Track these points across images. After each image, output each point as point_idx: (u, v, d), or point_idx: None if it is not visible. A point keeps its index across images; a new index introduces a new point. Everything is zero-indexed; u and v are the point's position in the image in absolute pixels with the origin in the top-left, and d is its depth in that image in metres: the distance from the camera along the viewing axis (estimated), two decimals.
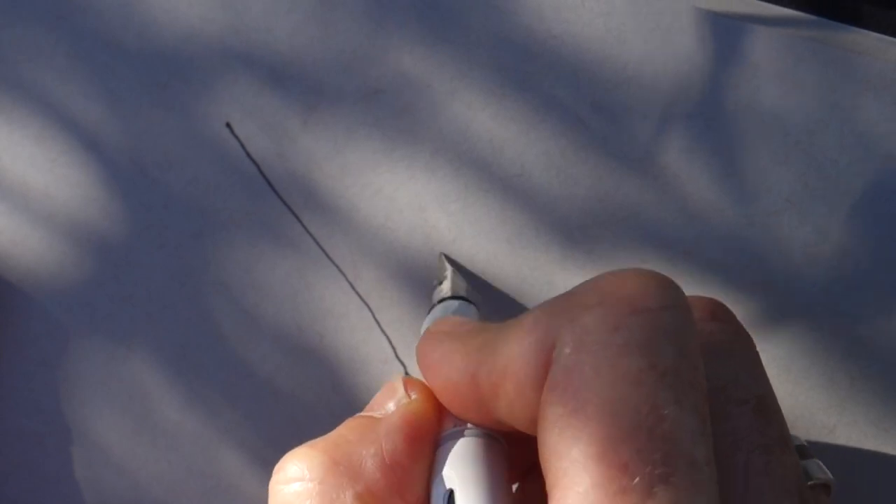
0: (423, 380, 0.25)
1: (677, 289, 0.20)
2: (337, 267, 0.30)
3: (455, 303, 0.28)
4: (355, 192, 0.30)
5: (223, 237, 0.30)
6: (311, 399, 0.30)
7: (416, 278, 0.30)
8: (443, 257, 0.31)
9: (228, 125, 0.30)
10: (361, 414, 0.25)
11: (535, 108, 0.29)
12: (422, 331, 0.28)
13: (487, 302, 0.30)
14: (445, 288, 0.30)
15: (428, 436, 0.24)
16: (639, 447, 0.18)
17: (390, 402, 0.25)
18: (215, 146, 0.30)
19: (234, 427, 0.31)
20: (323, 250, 0.30)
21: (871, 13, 0.28)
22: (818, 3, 0.28)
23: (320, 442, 0.24)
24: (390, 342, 0.30)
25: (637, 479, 0.18)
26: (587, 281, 0.20)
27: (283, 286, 0.30)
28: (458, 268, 0.31)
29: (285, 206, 0.30)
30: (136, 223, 0.31)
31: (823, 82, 0.27)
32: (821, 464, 0.27)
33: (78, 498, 0.31)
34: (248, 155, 0.30)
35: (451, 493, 0.23)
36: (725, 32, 0.28)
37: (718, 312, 0.23)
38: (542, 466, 0.20)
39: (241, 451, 0.31)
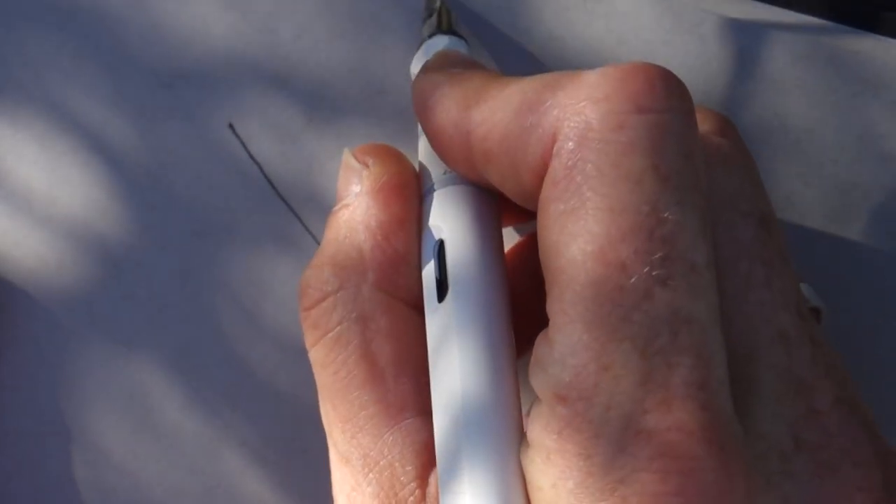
0: (417, 120, 0.24)
1: (684, 90, 0.20)
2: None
3: (446, 38, 0.27)
4: None
5: (225, 237, 0.31)
6: (311, 398, 0.30)
7: None
8: None
9: (231, 126, 0.30)
10: (334, 209, 0.25)
11: None
12: (411, 69, 0.27)
13: None
14: (435, 21, 0.27)
15: (406, 193, 0.24)
16: (637, 247, 0.18)
17: (353, 183, 0.25)
18: (218, 147, 0.30)
19: (235, 426, 0.31)
20: None
21: (870, 14, 0.28)
22: (817, 3, 0.28)
23: (320, 255, 0.24)
24: None
25: (634, 278, 0.18)
26: (594, 70, 0.20)
27: (285, 286, 0.30)
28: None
29: (287, 206, 0.30)
30: (138, 223, 0.31)
31: (823, 82, 0.28)
32: (813, 290, 0.26)
33: (78, 498, 0.31)
34: (251, 155, 0.30)
35: (441, 244, 0.22)
36: (725, 33, 0.28)
37: (726, 128, 0.23)
38: (542, 262, 0.20)
39: (242, 451, 0.31)
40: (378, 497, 0.22)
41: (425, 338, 0.23)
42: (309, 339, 0.24)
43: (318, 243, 0.30)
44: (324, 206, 0.30)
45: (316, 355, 0.23)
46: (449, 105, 0.23)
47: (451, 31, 0.27)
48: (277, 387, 0.30)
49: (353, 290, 0.23)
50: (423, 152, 0.25)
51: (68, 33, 0.31)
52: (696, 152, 0.19)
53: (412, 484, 0.22)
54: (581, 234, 0.19)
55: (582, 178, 0.19)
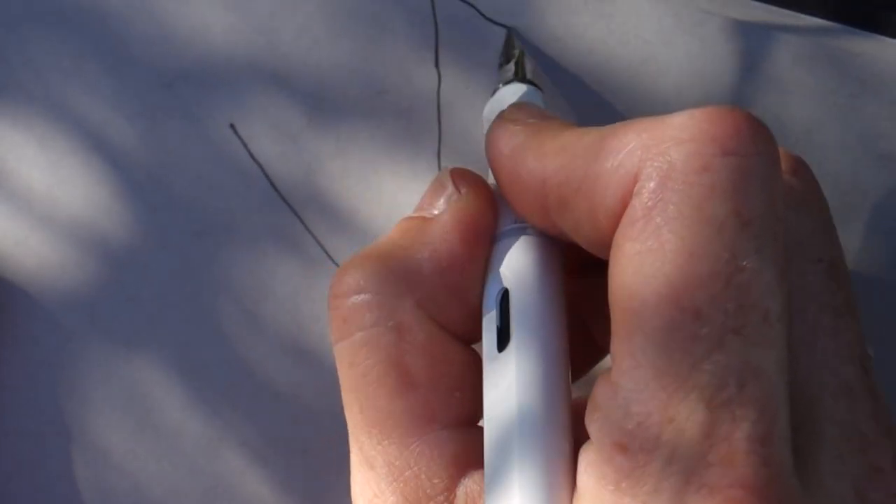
0: (491, 169, 0.24)
1: (769, 135, 0.19)
2: (338, 267, 0.30)
3: (523, 87, 0.26)
4: (357, 192, 0.30)
5: (225, 237, 0.31)
6: (311, 398, 0.30)
7: None
8: (512, 35, 0.28)
9: (232, 126, 0.30)
10: (410, 215, 0.24)
11: None
12: (484, 113, 0.27)
13: None
14: (513, 68, 0.27)
15: (483, 233, 0.23)
16: (714, 295, 0.18)
17: (440, 200, 0.24)
18: (219, 147, 0.30)
19: (235, 427, 0.31)
20: (325, 250, 0.30)
21: (871, 14, 0.28)
22: (818, 4, 0.28)
23: (374, 249, 0.23)
24: None
25: (708, 327, 0.18)
26: (680, 113, 0.19)
27: (285, 286, 0.30)
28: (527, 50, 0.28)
29: (288, 206, 0.30)
30: (139, 223, 0.31)
31: (823, 82, 0.28)
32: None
33: (78, 498, 0.31)
34: (252, 156, 0.30)
35: (505, 292, 0.22)
36: (726, 34, 0.28)
37: (799, 168, 0.22)
38: (610, 301, 0.19)
39: (242, 451, 0.31)
40: None
41: (459, 361, 0.22)
42: (337, 331, 0.23)
43: (318, 243, 0.30)
44: (324, 206, 0.30)
45: (343, 352, 0.23)
46: (525, 156, 0.22)
47: (527, 81, 0.27)
48: (277, 387, 0.30)
49: (394, 299, 0.22)
50: (496, 192, 0.25)
51: (69, 34, 0.31)
52: (779, 198, 0.19)
53: (439, 497, 0.21)
54: (657, 277, 0.18)
55: (662, 220, 0.18)
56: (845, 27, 0.28)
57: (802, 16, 0.28)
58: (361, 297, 0.22)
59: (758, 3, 0.29)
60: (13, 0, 0.31)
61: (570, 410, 0.21)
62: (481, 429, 0.22)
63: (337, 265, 0.30)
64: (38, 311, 0.31)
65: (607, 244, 0.20)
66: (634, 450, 0.18)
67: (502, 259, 0.23)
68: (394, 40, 0.29)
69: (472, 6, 0.29)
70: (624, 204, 0.19)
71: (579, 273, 0.24)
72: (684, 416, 0.17)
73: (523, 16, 0.29)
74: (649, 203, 0.19)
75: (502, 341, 0.21)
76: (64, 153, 0.31)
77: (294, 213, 0.30)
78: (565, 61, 0.29)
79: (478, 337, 0.23)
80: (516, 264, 0.22)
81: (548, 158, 0.21)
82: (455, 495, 0.21)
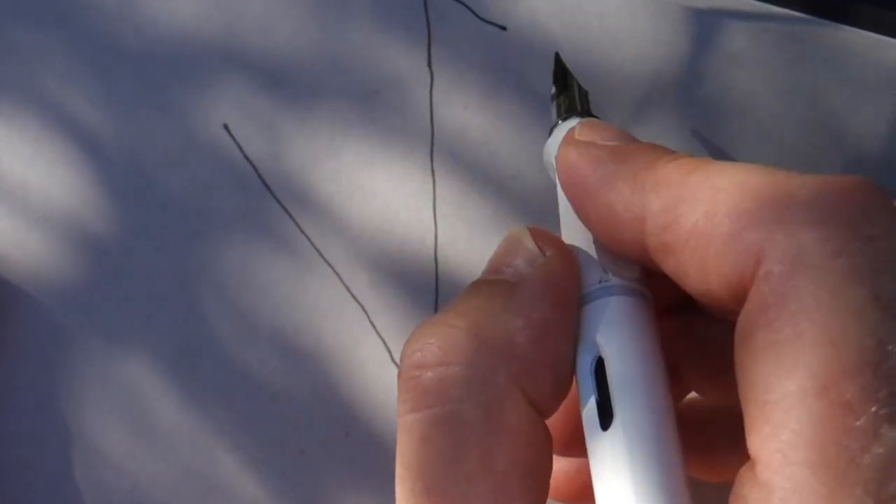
0: (571, 200, 0.22)
1: (893, 209, 0.18)
2: (332, 269, 0.30)
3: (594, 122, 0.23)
4: (351, 193, 0.30)
5: (220, 238, 0.30)
6: (306, 401, 0.30)
7: (411, 280, 0.30)
8: (561, 58, 0.26)
9: (226, 126, 0.30)
10: (488, 278, 0.23)
11: (532, 109, 0.29)
12: (544, 156, 0.25)
13: None
14: (568, 101, 0.25)
15: (573, 297, 0.22)
16: (864, 384, 0.17)
17: (518, 261, 0.22)
18: (213, 147, 0.30)
19: (231, 428, 0.31)
20: (319, 252, 0.30)
21: (868, 13, 0.27)
22: (816, 3, 0.28)
23: (456, 315, 0.21)
24: (386, 345, 0.30)
25: (863, 419, 0.17)
26: (803, 184, 0.18)
27: (280, 288, 0.30)
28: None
29: (281, 207, 0.30)
30: (135, 224, 0.31)
31: (820, 84, 0.27)
32: None
33: (77, 498, 0.32)
34: (246, 156, 0.30)
35: (599, 361, 0.21)
36: (719, 34, 0.27)
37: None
38: (742, 393, 0.18)
39: (239, 453, 0.31)
40: None
41: (539, 444, 0.21)
42: (411, 403, 0.21)
43: (312, 244, 0.30)
44: (318, 207, 0.30)
45: (416, 425, 0.21)
46: (618, 183, 0.21)
47: (587, 113, 0.25)
48: (274, 388, 0.30)
49: (487, 373, 0.21)
50: (571, 243, 0.23)
51: (63, 35, 0.31)
52: None
53: None
54: (798, 369, 0.17)
55: (797, 307, 0.18)
56: (844, 27, 0.27)
57: (798, 14, 0.28)
58: (450, 369, 0.21)
59: (755, 3, 0.28)
60: (6, 1, 0.31)
61: (690, 488, 0.20)
62: None
63: (331, 267, 0.30)
64: (37, 312, 0.31)
65: (716, 300, 0.19)
66: None
67: (592, 324, 0.21)
68: (386, 40, 0.29)
69: (465, 5, 0.29)
70: (743, 279, 0.19)
71: (667, 310, 0.23)
72: None
73: (515, 15, 0.28)
74: (781, 289, 0.18)
75: (605, 418, 0.20)
76: (59, 154, 0.31)
77: (288, 214, 0.30)
78: None
79: (555, 411, 0.22)
80: (608, 330, 0.21)
81: (647, 194, 0.20)
82: None
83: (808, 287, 0.18)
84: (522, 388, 0.21)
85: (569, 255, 0.22)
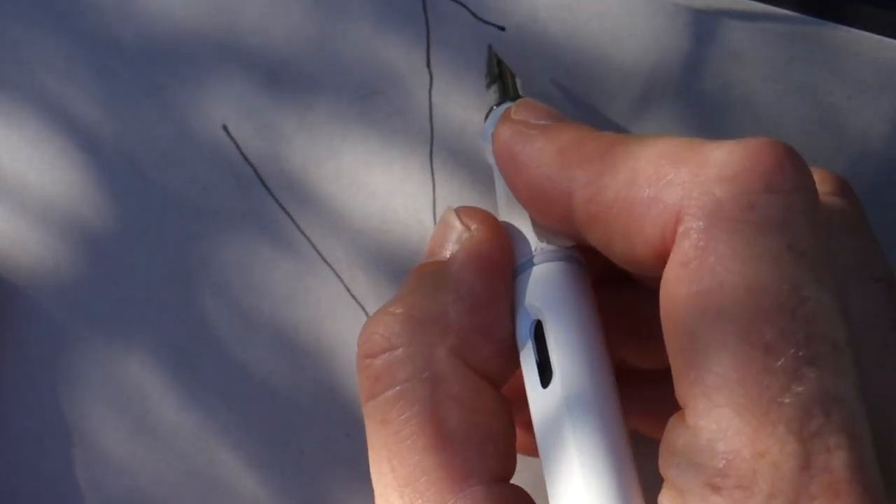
0: (504, 176, 0.23)
1: (806, 167, 0.19)
2: (332, 269, 0.30)
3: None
4: (351, 193, 0.30)
5: (220, 239, 0.30)
6: (307, 401, 0.30)
7: None
8: (493, 50, 0.27)
9: (225, 127, 0.30)
10: (423, 262, 0.24)
11: None
12: (483, 138, 0.26)
13: None
14: (503, 87, 0.26)
15: (501, 267, 0.23)
16: (782, 328, 0.18)
17: (449, 242, 0.24)
18: (212, 148, 0.30)
19: (232, 428, 0.31)
20: (318, 252, 0.30)
21: (868, 13, 0.27)
22: (816, 3, 0.28)
23: (396, 303, 0.23)
24: None
25: (782, 360, 0.18)
26: (719, 145, 0.19)
27: (280, 288, 0.30)
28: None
29: (281, 207, 0.30)
30: (134, 225, 0.31)
31: (820, 84, 0.27)
32: None
33: (77, 498, 0.32)
34: (245, 157, 0.30)
35: (537, 324, 0.22)
36: (719, 33, 0.27)
37: (845, 190, 0.22)
38: (669, 344, 0.19)
39: (239, 453, 0.31)
40: None
41: (491, 410, 0.22)
42: (367, 391, 0.22)
43: (312, 245, 0.30)
44: (317, 208, 0.30)
45: (374, 410, 0.22)
46: (545, 159, 0.22)
47: (518, 98, 0.26)
48: (274, 388, 0.30)
49: (427, 349, 0.22)
50: (508, 219, 0.24)
51: (63, 34, 0.31)
52: (824, 229, 0.19)
53: None
54: (720, 316, 0.18)
55: (715, 258, 0.18)
56: (844, 28, 0.27)
57: (799, 15, 0.28)
58: (394, 353, 0.22)
59: (754, 3, 0.28)
60: (6, 2, 0.31)
61: (629, 438, 0.20)
62: (515, 486, 0.21)
63: (331, 267, 0.30)
64: (37, 312, 0.32)
65: (642, 265, 0.20)
66: (730, 487, 0.18)
67: (528, 289, 0.22)
68: (386, 41, 0.29)
69: (464, 6, 0.28)
70: (665, 239, 0.19)
71: (598, 285, 0.24)
72: (777, 450, 0.17)
73: (514, 15, 0.28)
74: (701, 243, 0.19)
75: (545, 376, 0.21)
76: (58, 154, 0.31)
77: (287, 214, 0.30)
78: (557, 60, 0.28)
79: (508, 378, 0.23)
80: (543, 293, 0.22)
81: (572, 169, 0.21)
82: None
83: (726, 239, 0.18)
84: (464, 358, 0.22)
85: (495, 227, 0.23)
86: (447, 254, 0.23)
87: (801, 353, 0.18)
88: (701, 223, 0.19)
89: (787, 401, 0.17)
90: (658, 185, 0.19)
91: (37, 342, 0.32)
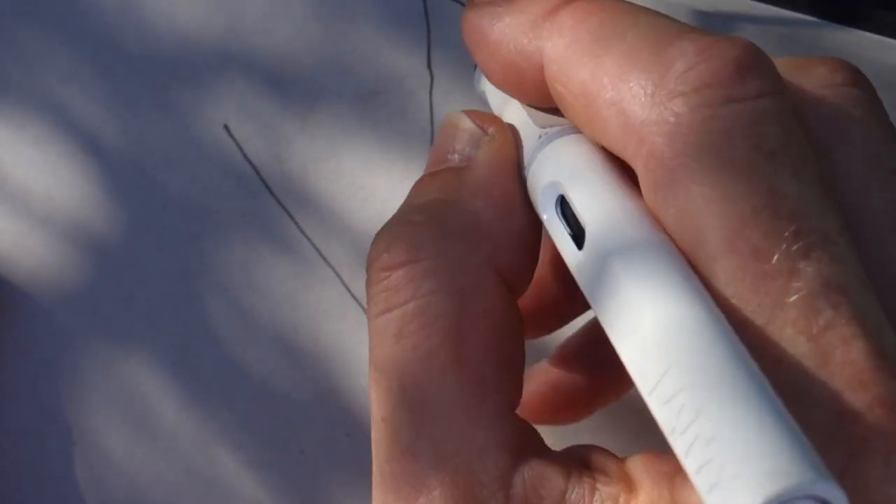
0: (475, 58, 0.22)
1: (774, 72, 0.18)
2: (333, 269, 0.30)
3: None
4: (351, 194, 0.30)
5: (221, 239, 0.31)
6: (307, 401, 0.30)
7: None
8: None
9: (226, 127, 0.30)
10: (434, 170, 0.22)
11: None
12: (476, 84, 0.25)
13: None
14: None
15: (517, 169, 0.22)
16: (767, 227, 0.17)
17: (461, 145, 0.22)
18: (213, 148, 0.30)
19: (232, 428, 0.31)
20: (319, 253, 0.30)
21: (869, 13, 0.27)
22: (816, 3, 0.28)
23: (413, 212, 0.21)
24: None
25: (774, 259, 0.17)
26: (681, 53, 0.18)
27: (281, 288, 0.30)
28: None
29: (282, 207, 0.30)
30: (136, 225, 0.31)
31: None
32: None
33: (77, 498, 0.32)
34: (246, 157, 0.30)
35: (561, 199, 0.20)
36: (722, 33, 0.27)
37: (860, 79, 0.21)
38: None
39: (239, 452, 0.31)
40: (452, 498, 0.19)
41: (515, 329, 0.20)
42: (381, 304, 0.20)
43: (313, 245, 0.30)
44: (318, 207, 0.30)
45: (387, 323, 0.20)
46: (516, 34, 0.21)
47: None
48: (274, 388, 0.31)
49: (457, 260, 0.20)
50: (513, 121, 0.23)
51: (65, 35, 0.31)
52: (795, 128, 0.18)
53: (493, 485, 0.19)
54: (701, 235, 0.17)
55: (685, 174, 0.17)
56: (844, 28, 0.27)
57: (800, 15, 0.28)
58: (419, 264, 0.20)
59: (755, 3, 0.28)
60: (8, 2, 0.31)
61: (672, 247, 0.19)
62: (520, 417, 0.20)
63: (332, 267, 0.30)
64: (39, 313, 0.32)
65: (613, 148, 0.19)
66: None
67: (545, 171, 0.21)
68: (386, 41, 0.29)
69: (464, 6, 0.29)
70: (627, 152, 0.19)
71: None
72: (789, 354, 0.16)
73: None
74: (668, 164, 0.18)
75: (580, 243, 0.19)
76: (60, 154, 0.31)
77: (288, 215, 0.30)
78: None
79: (524, 291, 0.22)
80: (559, 165, 0.20)
81: (542, 40, 0.20)
82: (511, 484, 0.19)
83: (690, 153, 0.18)
84: (497, 267, 0.21)
85: (508, 127, 0.22)
86: (461, 158, 0.22)
87: (794, 248, 0.17)
88: (663, 140, 0.18)
89: (790, 300, 0.16)
90: (620, 89, 0.19)
91: (37, 342, 0.32)
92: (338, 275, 0.30)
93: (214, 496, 0.31)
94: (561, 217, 0.20)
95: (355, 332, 0.30)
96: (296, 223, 0.30)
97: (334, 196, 0.30)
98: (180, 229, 0.31)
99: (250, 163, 0.30)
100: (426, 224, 0.21)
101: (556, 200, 0.20)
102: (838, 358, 0.16)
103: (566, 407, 0.24)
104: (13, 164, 0.31)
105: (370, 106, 0.29)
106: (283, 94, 0.30)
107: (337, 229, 0.30)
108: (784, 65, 0.20)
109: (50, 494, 0.32)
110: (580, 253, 0.19)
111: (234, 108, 0.30)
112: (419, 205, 0.21)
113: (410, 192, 0.22)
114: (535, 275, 0.22)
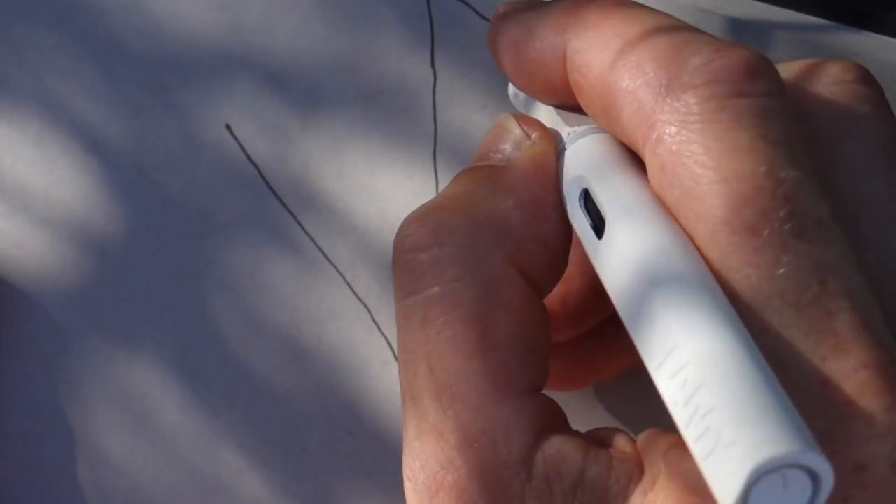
0: (498, 61, 0.24)
1: (779, 79, 0.20)
2: (335, 268, 0.30)
3: None
4: (353, 193, 0.30)
5: (222, 239, 0.31)
6: (309, 400, 0.30)
7: None
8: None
9: (228, 126, 0.30)
10: (476, 164, 0.23)
11: None
12: (511, 95, 0.26)
13: None
14: None
15: (555, 174, 0.23)
16: (763, 207, 0.18)
17: (505, 146, 0.23)
18: (215, 148, 0.30)
19: (233, 428, 0.31)
20: (321, 251, 0.30)
21: (870, 14, 0.27)
22: (817, 3, 0.28)
23: (448, 200, 0.22)
24: (389, 343, 0.30)
25: (766, 234, 0.18)
26: (697, 51, 0.20)
27: (283, 287, 0.30)
28: None
29: (284, 207, 0.30)
30: (136, 225, 0.31)
31: None
32: None
33: (77, 498, 0.32)
34: (248, 156, 0.30)
35: (585, 193, 0.21)
36: (725, 34, 0.28)
37: (867, 77, 0.22)
38: None
39: (241, 452, 0.31)
40: (477, 477, 0.20)
41: (537, 321, 0.21)
42: (407, 287, 0.21)
43: (315, 244, 0.30)
44: (320, 207, 0.30)
45: (414, 308, 0.21)
46: (542, 31, 0.22)
47: None
48: (276, 388, 0.31)
49: (482, 252, 0.21)
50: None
51: (65, 34, 0.31)
52: (798, 126, 0.19)
53: (517, 465, 0.20)
54: (703, 212, 0.18)
55: (689, 157, 0.19)
56: (844, 27, 0.28)
57: (801, 15, 0.28)
58: (445, 249, 0.21)
59: (757, 3, 0.28)
60: (8, 0, 0.31)
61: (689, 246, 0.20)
62: (548, 397, 0.21)
63: (334, 266, 0.30)
64: (39, 313, 0.31)
65: (624, 140, 0.21)
66: None
67: (572, 166, 0.22)
68: (389, 40, 0.29)
69: (468, 5, 0.29)
70: (636, 140, 0.20)
71: None
72: (776, 323, 0.17)
73: None
74: (674, 147, 0.19)
75: (600, 233, 0.20)
76: (60, 153, 0.31)
77: (290, 214, 0.30)
78: None
79: (549, 291, 0.22)
80: (588, 159, 0.22)
81: (568, 33, 0.21)
82: (534, 462, 0.20)
83: (697, 139, 0.19)
84: (518, 265, 0.21)
85: (552, 136, 0.23)
86: (502, 158, 0.23)
87: (787, 227, 0.18)
88: (672, 128, 0.19)
89: (779, 272, 0.18)
90: (636, 80, 0.20)
91: (37, 342, 0.32)
92: (340, 274, 0.30)
93: (216, 496, 0.31)
94: (584, 209, 0.21)
95: (357, 331, 0.30)
96: (298, 222, 0.30)
97: (337, 195, 0.30)
98: (181, 229, 0.31)
99: (252, 162, 0.30)
100: (456, 211, 0.22)
101: (581, 194, 0.21)
102: (823, 328, 0.17)
103: (555, 376, 0.25)
104: (14, 164, 0.31)
105: (373, 105, 0.29)
106: (286, 93, 0.30)
107: (339, 228, 0.30)
108: (798, 65, 0.21)
109: (50, 495, 0.32)
110: (600, 242, 0.20)
111: (236, 108, 0.30)
112: (452, 193, 0.22)
113: (450, 183, 0.23)
114: (568, 285, 0.23)
